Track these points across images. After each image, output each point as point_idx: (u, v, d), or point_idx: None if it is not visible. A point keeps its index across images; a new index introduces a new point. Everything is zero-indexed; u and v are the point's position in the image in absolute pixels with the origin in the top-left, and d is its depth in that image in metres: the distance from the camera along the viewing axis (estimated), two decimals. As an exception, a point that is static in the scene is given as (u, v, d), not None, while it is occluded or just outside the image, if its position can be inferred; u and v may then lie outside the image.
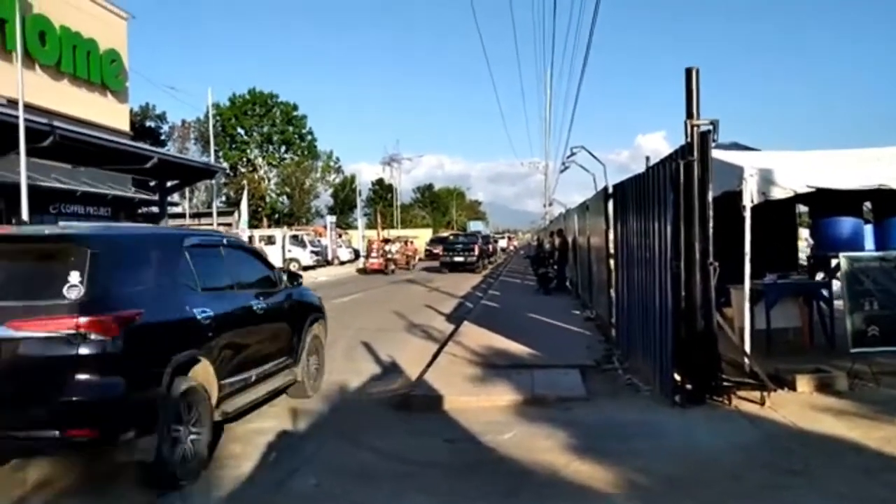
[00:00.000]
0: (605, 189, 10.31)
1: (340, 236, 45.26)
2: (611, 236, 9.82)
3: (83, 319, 3.91)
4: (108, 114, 41.61)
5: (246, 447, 5.36)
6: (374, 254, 31.56)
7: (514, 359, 8.50)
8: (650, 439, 5.32)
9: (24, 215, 15.94)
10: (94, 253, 4.18)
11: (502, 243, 61.82)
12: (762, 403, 5.92)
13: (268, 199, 63.09)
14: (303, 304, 7.07)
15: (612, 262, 9.71)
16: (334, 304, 16.79)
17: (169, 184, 29.11)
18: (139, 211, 40.59)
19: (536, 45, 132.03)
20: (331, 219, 48.34)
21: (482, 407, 6.45)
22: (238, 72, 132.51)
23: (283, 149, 68.91)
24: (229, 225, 35.49)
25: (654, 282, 6.64)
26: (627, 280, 8.17)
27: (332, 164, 72.17)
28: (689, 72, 6.20)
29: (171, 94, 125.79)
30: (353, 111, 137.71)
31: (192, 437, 4.61)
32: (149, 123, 61.81)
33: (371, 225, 69.70)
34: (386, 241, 36.71)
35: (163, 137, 62.63)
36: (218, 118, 60.92)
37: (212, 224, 33.25)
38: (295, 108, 68.26)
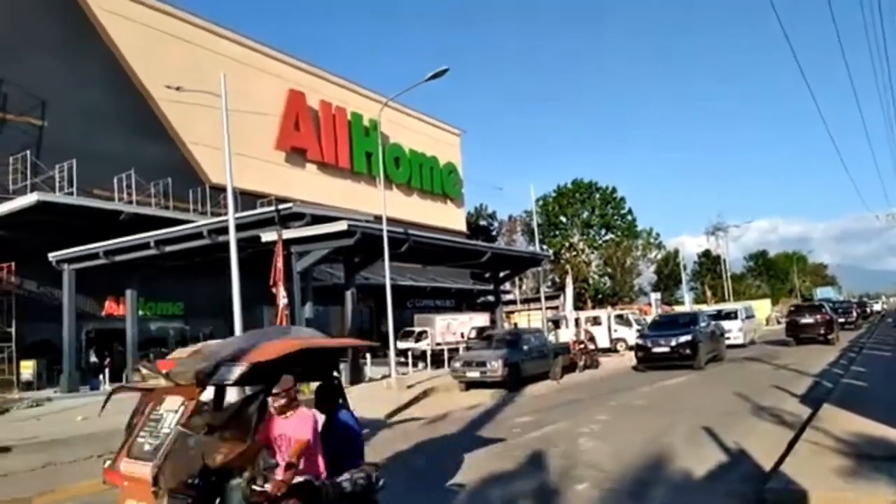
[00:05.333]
0: None
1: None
2: None
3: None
4: (448, 218, 47.79)
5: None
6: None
7: (897, 449, 7.11)
8: None
9: (389, 310, 18.87)
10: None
11: (877, 306, 67.64)
12: None
13: (591, 281, 64.11)
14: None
15: None
16: (667, 385, 16.12)
17: (501, 274, 31.70)
18: (477, 300, 44.88)
19: (878, 74, 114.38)
20: (655, 296, 47.03)
21: (859, 506, 5.51)
22: (559, 164, 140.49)
23: (603, 231, 70.17)
24: (556, 308, 36.83)
25: None
26: None
27: (652, 240, 70.88)
28: None
29: (499, 194, 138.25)
30: (673, 186, 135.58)
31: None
32: (482, 222, 68.73)
33: (699, 299, 65.82)
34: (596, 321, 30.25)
35: (493, 233, 68.86)
36: (541, 209, 64.97)
37: (540, 308, 34.93)
38: (614, 191, 69.67)
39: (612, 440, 9.48)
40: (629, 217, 69.96)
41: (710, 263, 75.77)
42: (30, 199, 20.70)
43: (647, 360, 20.22)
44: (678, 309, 40.77)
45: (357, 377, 19.78)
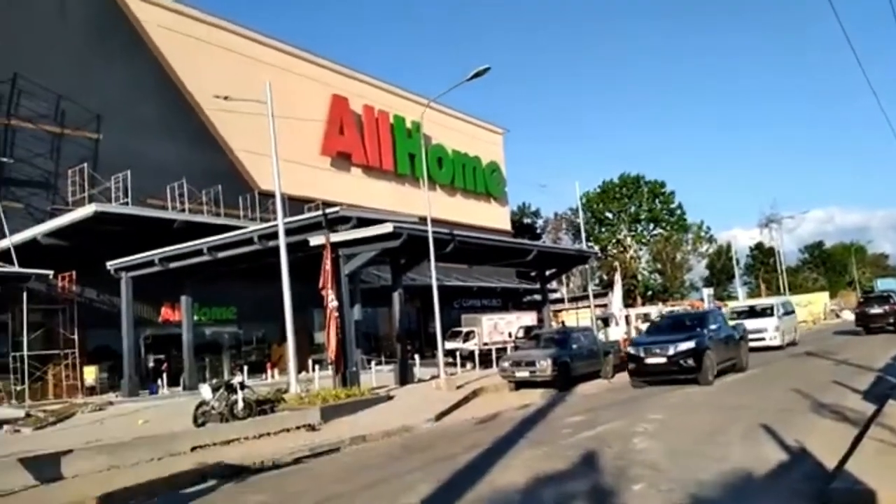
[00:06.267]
0: None
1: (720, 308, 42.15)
2: None
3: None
4: (492, 217, 47.68)
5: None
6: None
7: (972, 448, 6.77)
8: None
9: (436, 310, 18.93)
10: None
11: None
12: None
13: (640, 278, 63.10)
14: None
15: None
16: (724, 381, 15.72)
17: (547, 272, 31.44)
18: (524, 300, 44.66)
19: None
20: (707, 291, 46.04)
21: (933, 507, 5.26)
22: (603, 159, 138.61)
23: (651, 226, 69.00)
24: (604, 306, 36.36)
25: None
26: None
27: (702, 234, 69.35)
28: None
29: (543, 191, 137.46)
30: (722, 177, 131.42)
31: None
32: (526, 220, 68.39)
33: (753, 293, 64.09)
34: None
35: (538, 231, 68.45)
36: (587, 205, 64.27)
37: (588, 307, 34.55)
38: (662, 185, 68.41)
39: (668, 439, 9.30)
40: (678, 211, 68.65)
41: (763, 256, 73.78)
42: (88, 209, 21.49)
43: (640, 374, 16.00)
44: (731, 304, 39.28)
45: (406, 378, 19.92)
